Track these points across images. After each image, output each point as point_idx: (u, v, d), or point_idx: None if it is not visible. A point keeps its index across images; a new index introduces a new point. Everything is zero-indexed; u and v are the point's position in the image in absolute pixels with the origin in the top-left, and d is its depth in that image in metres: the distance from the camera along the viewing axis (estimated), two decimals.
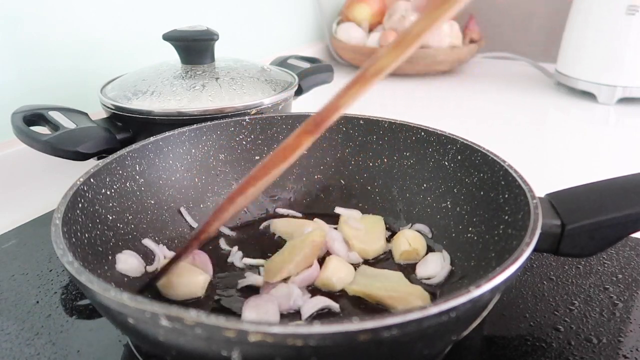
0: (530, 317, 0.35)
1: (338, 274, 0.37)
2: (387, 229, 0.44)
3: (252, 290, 0.37)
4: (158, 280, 0.35)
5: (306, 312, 0.34)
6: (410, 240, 0.40)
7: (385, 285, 0.36)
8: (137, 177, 0.40)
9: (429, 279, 0.38)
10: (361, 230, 0.42)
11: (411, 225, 0.43)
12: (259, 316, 0.33)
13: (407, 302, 0.34)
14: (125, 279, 0.35)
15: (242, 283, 0.37)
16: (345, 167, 0.48)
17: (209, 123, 0.46)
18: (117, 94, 0.52)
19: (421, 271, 0.38)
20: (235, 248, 0.42)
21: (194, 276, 0.36)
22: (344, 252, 0.40)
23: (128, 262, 0.36)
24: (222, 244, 0.43)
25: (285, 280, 0.37)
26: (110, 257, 0.35)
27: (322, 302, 0.35)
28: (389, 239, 0.42)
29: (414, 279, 0.38)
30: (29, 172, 0.57)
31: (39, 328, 0.34)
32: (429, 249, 0.41)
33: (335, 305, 0.35)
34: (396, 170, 0.46)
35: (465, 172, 0.40)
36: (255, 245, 0.43)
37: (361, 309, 0.35)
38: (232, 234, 0.44)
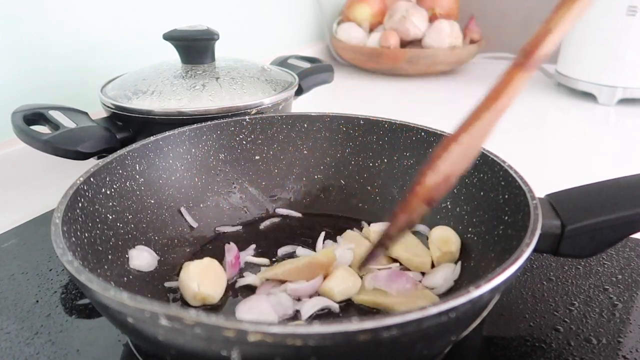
0: (530, 317, 0.35)
1: (342, 284, 0.36)
2: None
3: (250, 290, 0.37)
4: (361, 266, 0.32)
5: (306, 313, 0.34)
6: (439, 245, 0.39)
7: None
8: (137, 176, 0.40)
9: (429, 288, 0.37)
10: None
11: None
12: (253, 316, 0.33)
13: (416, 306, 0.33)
14: (125, 279, 0.35)
15: (241, 282, 0.37)
16: (345, 167, 0.48)
17: (209, 123, 0.46)
18: (117, 93, 0.52)
19: (426, 280, 0.37)
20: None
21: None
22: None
23: (140, 258, 0.37)
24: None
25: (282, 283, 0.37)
26: (110, 257, 0.35)
27: (321, 302, 0.35)
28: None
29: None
30: (29, 172, 0.57)
31: (39, 327, 0.34)
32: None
33: (335, 306, 0.35)
34: (396, 170, 0.46)
35: (465, 172, 0.40)
36: (255, 245, 0.43)
37: (361, 308, 0.35)
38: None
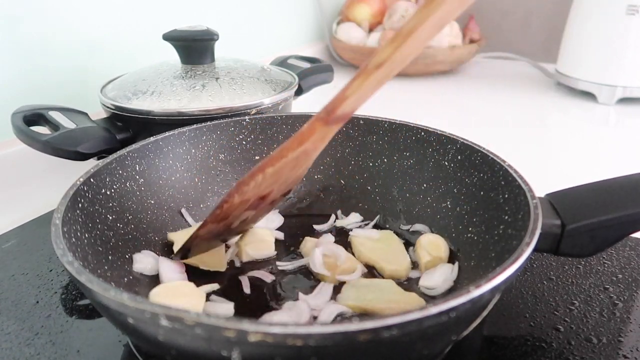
0: (530, 317, 0.35)
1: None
2: (387, 228, 0.44)
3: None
4: (183, 255, 0.38)
5: (324, 320, 0.33)
6: (429, 249, 0.39)
7: (378, 296, 0.35)
8: (137, 177, 0.40)
9: (429, 289, 0.37)
10: (380, 248, 0.40)
11: (411, 226, 0.43)
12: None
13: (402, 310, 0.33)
14: (125, 280, 0.35)
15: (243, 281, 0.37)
16: (345, 167, 0.48)
17: (209, 123, 0.46)
18: (117, 93, 0.52)
19: (425, 280, 0.37)
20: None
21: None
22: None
23: (145, 262, 0.37)
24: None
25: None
26: (110, 257, 0.35)
27: (337, 309, 0.34)
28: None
29: (411, 285, 0.38)
30: (29, 172, 0.57)
31: (39, 328, 0.34)
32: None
33: (348, 311, 0.34)
34: (396, 170, 0.46)
35: (465, 172, 0.40)
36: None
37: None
38: None
